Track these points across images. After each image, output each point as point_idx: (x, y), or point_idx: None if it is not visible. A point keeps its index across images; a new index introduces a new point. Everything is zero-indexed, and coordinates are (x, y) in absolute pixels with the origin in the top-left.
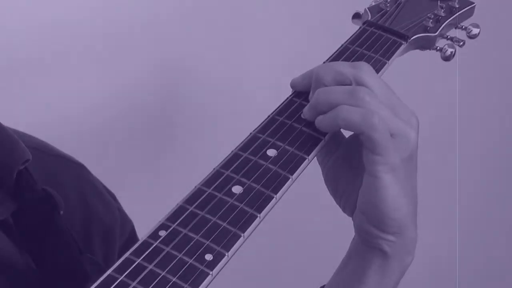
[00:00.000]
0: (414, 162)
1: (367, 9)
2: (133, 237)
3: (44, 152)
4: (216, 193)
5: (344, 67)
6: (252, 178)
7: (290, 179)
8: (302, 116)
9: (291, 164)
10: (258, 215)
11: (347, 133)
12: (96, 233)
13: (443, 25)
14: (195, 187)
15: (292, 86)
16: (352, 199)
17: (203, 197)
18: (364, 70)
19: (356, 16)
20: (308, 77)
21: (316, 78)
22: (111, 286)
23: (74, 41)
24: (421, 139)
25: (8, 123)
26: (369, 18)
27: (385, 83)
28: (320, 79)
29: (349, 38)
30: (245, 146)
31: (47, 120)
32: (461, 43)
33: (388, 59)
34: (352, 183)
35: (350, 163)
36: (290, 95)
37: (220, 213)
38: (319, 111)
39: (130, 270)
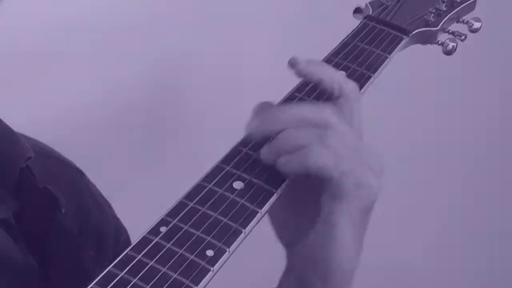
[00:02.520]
0: (369, 215)
1: (368, 4)
2: (127, 247)
3: (43, 154)
4: (217, 189)
5: (308, 111)
6: (253, 173)
7: None
8: (260, 157)
9: None
10: (259, 211)
11: None
12: (90, 238)
13: (444, 19)
14: (196, 183)
15: (249, 136)
16: (297, 245)
17: (203, 192)
18: (329, 113)
19: (357, 10)
20: (266, 124)
21: (276, 124)
22: (111, 282)
23: (73, 39)
24: (421, 137)
25: (7, 122)
26: (370, 13)
27: (350, 127)
28: (281, 126)
29: (350, 33)
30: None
31: (45, 120)
32: (463, 37)
33: (390, 53)
34: (301, 230)
35: (298, 208)
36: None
37: (221, 208)
38: (282, 153)
39: (131, 266)
